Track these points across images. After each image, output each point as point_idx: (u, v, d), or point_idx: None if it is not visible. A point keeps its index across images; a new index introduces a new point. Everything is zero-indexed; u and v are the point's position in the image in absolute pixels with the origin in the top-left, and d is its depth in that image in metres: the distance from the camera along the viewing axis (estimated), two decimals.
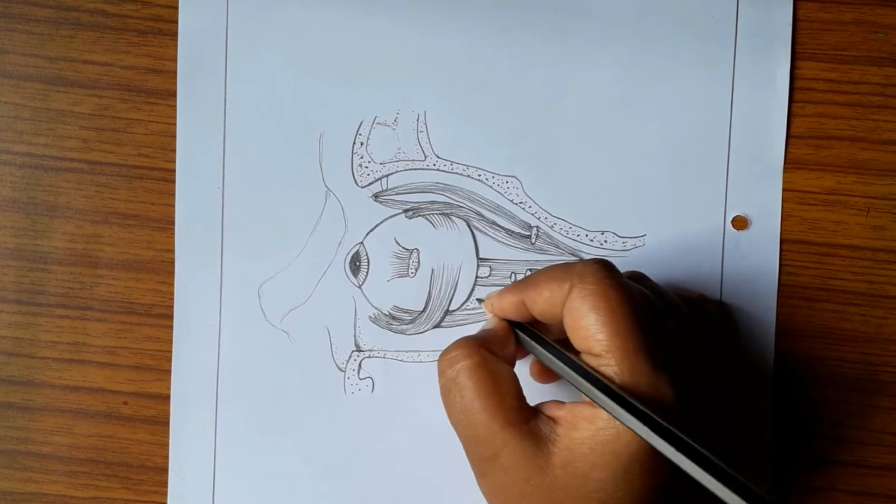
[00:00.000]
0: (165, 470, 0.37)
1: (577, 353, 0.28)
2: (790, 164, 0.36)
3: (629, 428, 0.25)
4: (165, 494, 0.37)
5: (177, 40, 0.36)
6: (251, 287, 0.37)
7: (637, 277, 0.33)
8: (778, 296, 0.36)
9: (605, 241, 0.36)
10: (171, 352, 0.37)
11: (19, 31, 0.37)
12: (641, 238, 0.36)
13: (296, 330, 0.37)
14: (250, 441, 0.37)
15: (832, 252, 0.36)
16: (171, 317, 0.37)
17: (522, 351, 0.31)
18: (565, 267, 0.29)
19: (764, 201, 0.36)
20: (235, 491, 0.37)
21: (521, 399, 0.29)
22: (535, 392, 0.34)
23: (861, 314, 0.36)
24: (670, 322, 0.30)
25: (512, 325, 0.31)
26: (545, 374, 0.34)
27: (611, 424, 0.26)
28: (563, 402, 0.29)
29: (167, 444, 0.37)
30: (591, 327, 0.27)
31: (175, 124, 0.37)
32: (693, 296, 0.35)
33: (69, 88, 0.37)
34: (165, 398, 0.37)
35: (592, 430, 0.27)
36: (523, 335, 0.30)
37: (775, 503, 0.22)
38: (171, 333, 0.37)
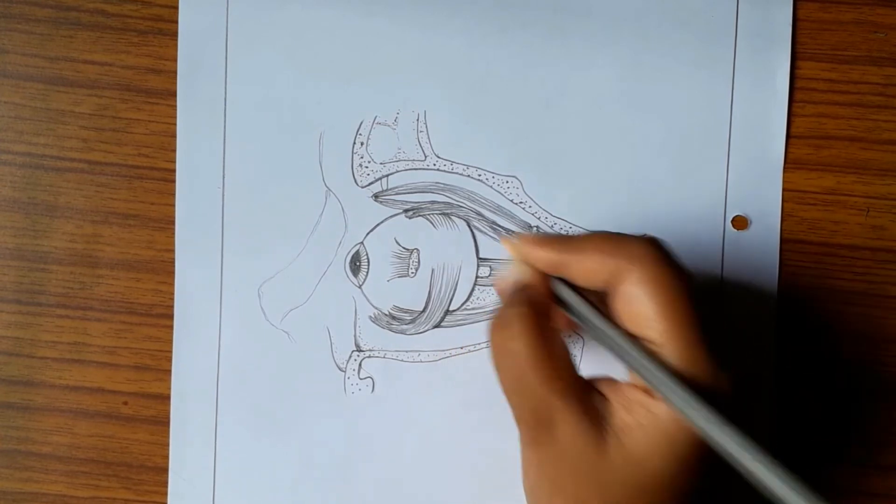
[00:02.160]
0: (165, 470, 0.37)
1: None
2: (790, 163, 0.36)
3: (697, 426, 0.24)
4: (165, 494, 0.37)
5: (177, 40, 0.37)
6: (251, 287, 0.37)
7: None
8: (778, 296, 0.36)
9: None
10: (171, 352, 0.37)
11: (19, 30, 0.37)
12: None
13: (296, 330, 0.37)
14: (250, 441, 0.37)
15: (832, 252, 0.36)
16: (171, 317, 0.37)
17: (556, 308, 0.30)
18: (616, 242, 0.27)
19: (764, 201, 0.36)
20: (235, 491, 0.37)
21: (574, 369, 0.28)
22: None
23: (861, 314, 0.36)
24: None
25: (557, 281, 0.29)
26: (569, 323, 0.32)
27: (669, 415, 0.25)
28: (614, 380, 0.28)
29: (167, 444, 0.37)
30: (649, 314, 0.26)
31: (175, 124, 0.37)
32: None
33: (69, 88, 0.37)
34: (165, 398, 0.37)
35: (648, 416, 0.26)
36: (573, 296, 0.28)
37: None
38: (172, 333, 0.37)
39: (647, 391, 0.26)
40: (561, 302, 0.29)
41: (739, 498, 0.35)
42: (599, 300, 0.28)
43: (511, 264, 0.30)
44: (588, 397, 0.27)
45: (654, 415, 0.26)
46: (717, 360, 0.26)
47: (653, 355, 0.26)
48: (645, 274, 0.26)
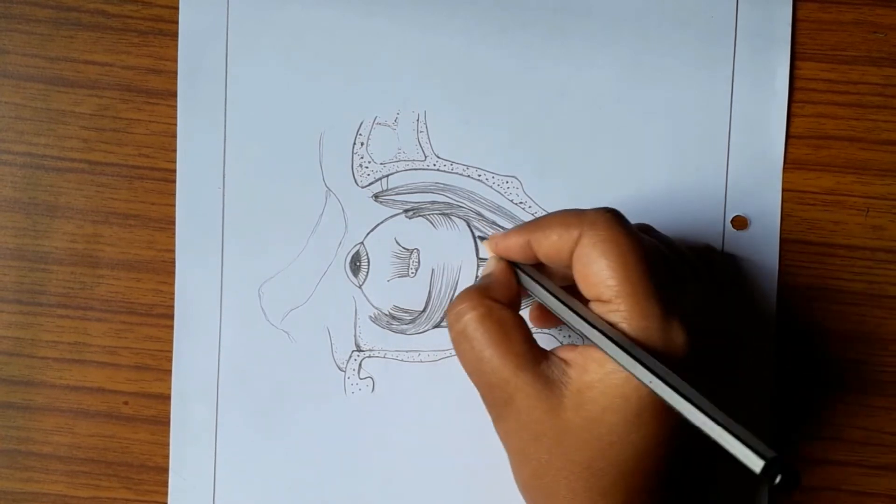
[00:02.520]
0: (166, 470, 0.37)
1: (584, 301, 0.28)
2: (790, 164, 0.36)
3: (632, 374, 0.25)
4: (166, 494, 0.37)
5: (177, 40, 0.37)
6: (251, 287, 0.37)
7: (644, 229, 0.33)
8: (777, 295, 0.36)
9: None
10: (171, 352, 0.37)
11: (20, 31, 0.37)
12: None
13: (296, 330, 0.37)
14: (250, 441, 0.37)
15: (831, 252, 0.36)
16: (171, 317, 0.37)
17: (525, 293, 0.31)
18: (575, 213, 0.29)
19: (763, 201, 0.36)
20: (235, 491, 0.37)
21: (531, 342, 0.29)
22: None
23: (860, 314, 0.36)
24: (679, 269, 0.30)
25: (516, 267, 0.31)
26: (545, 318, 0.34)
27: (620, 368, 0.26)
28: (575, 346, 0.29)
29: (167, 444, 0.37)
30: (602, 272, 0.27)
31: (175, 124, 0.37)
32: (699, 246, 0.35)
33: (70, 89, 0.37)
34: (166, 398, 0.37)
35: (602, 373, 0.27)
36: (527, 278, 0.30)
37: (776, 456, 0.22)
38: (172, 333, 0.37)
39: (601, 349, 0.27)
40: (527, 288, 0.31)
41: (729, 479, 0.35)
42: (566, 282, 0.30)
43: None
44: (547, 365, 0.28)
45: (608, 371, 0.27)
46: (673, 315, 0.27)
47: (588, 311, 0.28)
48: (597, 235, 0.27)
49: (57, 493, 0.37)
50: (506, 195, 0.36)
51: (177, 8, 0.37)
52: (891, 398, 0.36)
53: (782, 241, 0.36)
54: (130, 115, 0.37)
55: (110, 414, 0.37)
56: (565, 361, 0.28)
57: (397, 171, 0.37)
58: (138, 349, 0.37)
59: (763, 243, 0.36)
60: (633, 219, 0.36)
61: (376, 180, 0.37)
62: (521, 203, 0.36)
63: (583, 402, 0.27)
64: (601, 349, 0.26)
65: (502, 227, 0.36)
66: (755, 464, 0.22)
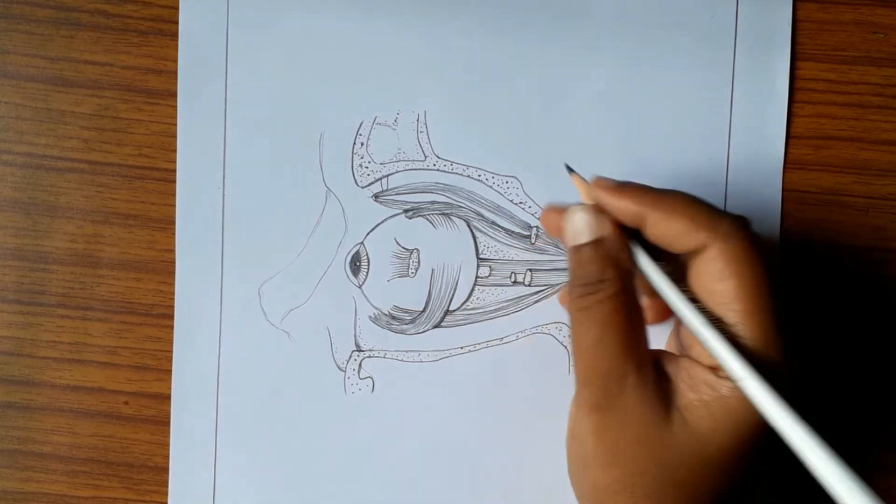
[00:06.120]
0: (166, 470, 0.37)
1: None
2: (790, 164, 0.36)
3: (765, 414, 0.24)
4: (166, 494, 0.37)
5: (177, 41, 0.37)
6: (251, 287, 0.37)
7: None
8: None
9: None
10: (171, 352, 0.37)
11: (20, 31, 0.37)
12: None
13: (296, 330, 0.37)
14: (250, 441, 0.37)
15: (831, 252, 0.36)
16: (171, 317, 0.37)
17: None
18: (706, 212, 0.27)
19: (764, 201, 0.36)
20: (236, 491, 0.37)
21: (647, 341, 0.28)
22: None
23: (861, 314, 0.36)
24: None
25: (636, 250, 0.28)
26: (657, 312, 0.32)
27: (736, 394, 0.25)
28: (675, 356, 0.28)
29: (168, 444, 0.37)
30: (730, 292, 0.26)
31: (175, 124, 0.37)
32: None
33: (70, 89, 0.37)
34: (166, 398, 0.37)
35: (714, 395, 0.26)
36: (652, 271, 0.27)
37: None
38: (172, 333, 0.37)
39: (712, 369, 0.26)
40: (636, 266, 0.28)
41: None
42: (672, 262, 0.28)
43: (582, 209, 0.28)
44: (656, 371, 0.27)
45: (720, 394, 0.26)
46: (789, 346, 0.26)
47: (730, 336, 0.26)
48: (731, 252, 0.26)
49: (57, 492, 0.37)
50: (506, 195, 0.36)
51: (177, 8, 0.37)
52: (891, 398, 0.36)
53: (782, 241, 0.36)
54: (130, 115, 0.37)
55: (110, 414, 0.37)
56: (668, 374, 0.27)
57: (397, 172, 0.37)
58: (138, 349, 0.37)
59: (763, 243, 0.36)
60: None
61: (376, 180, 0.37)
62: (521, 203, 0.36)
63: (690, 419, 0.26)
64: (732, 374, 0.25)
65: (502, 227, 0.36)
66: None
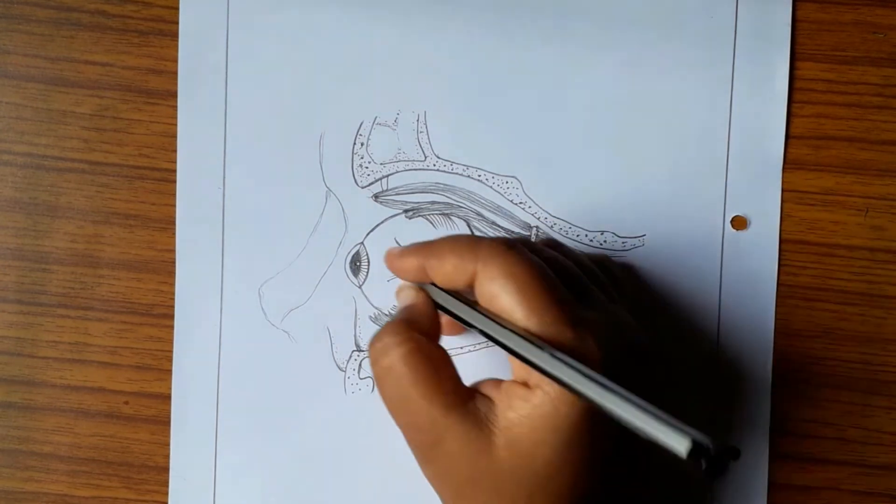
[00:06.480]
0: (166, 469, 0.37)
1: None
2: (789, 164, 0.36)
3: (561, 382, 0.25)
4: (166, 494, 0.37)
5: (177, 41, 0.37)
6: (252, 287, 0.37)
7: (552, 245, 0.33)
8: (777, 296, 0.36)
9: (605, 242, 0.36)
10: (171, 352, 0.37)
11: (20, 31, 0.37)
12: (641, 238, 0.36)
13: (296, 330, 0.37)
14: (250, 441, 0.37)
15: (831, 252, 0.36)
16: (171, 317, 0.37)
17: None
18: (468, 244, 0.28)
19: (763, 201, 0.36)
20: (236, 491, 0.37)
21: (458, 380, 0.28)
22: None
23: (860, 314, 0.36)
24: (585, 286, 0.30)
25: (429, 287, 0.30)
26: (456, 326, 0.33)
27: (546, 401, 0.26)
28: (499, 381, 0.28)
29: (168, 444, 0.37)
30: (506, 306, 0.27)
31: (176, 125, 0.37)
32: (598, 258, 0.34)
33: (70, 89, 0.37)
34: (166, 398, 0.37)
35: (528, 407, 0.27)
36: (444, 299, 0.30)
37: (719, 445, 0.21)
38: (172, 333, 0.37)
39: (524, 384, 0.27)
40: (440, 306, 0.30)
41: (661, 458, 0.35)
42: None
43: (403, 284, 0.31)
44: (473, 404, 0.28)
45: (534, 405, 0.26)
46: (583, 328, 0.27)
47: (512, 327, 0.27)
48: (492, 272, 0.27)
49: (57, 492, 0.37)
50: (506, 195, 0.36)
51: (177, 8, 0.37)
52: (891, 398, 0.36)
53: (782, 241, 0.36)
54: (131, 116, 0.37)
55: (111, 414, 0.37)
56: (490, 399, 0.28)
57: (397, 172, 0.37)
58: (139, 349, 0.37)
59: (763, 243, 0.36)
60: (633, 219, 0.36)
61: (376, 180, 0.37)
62: (521, 203, 0.36)
63: (513, 439, 0.27)
64: (536, 365, 0.26)
65: (502, 227, 0.36)
66: (681, 444, 0.21)
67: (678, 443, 0.20)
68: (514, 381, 0.27)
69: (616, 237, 0.36)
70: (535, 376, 0.26)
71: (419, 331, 0.29)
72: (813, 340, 0.36)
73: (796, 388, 0.36)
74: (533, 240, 0.36)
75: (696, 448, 0.20)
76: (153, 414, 0.37)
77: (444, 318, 0.32)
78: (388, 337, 0.28)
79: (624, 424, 0.23)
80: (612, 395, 0.23)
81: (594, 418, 0.26)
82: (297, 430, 0.37)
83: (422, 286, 0.30)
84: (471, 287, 0.29)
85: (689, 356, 0.36)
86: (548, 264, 0.28)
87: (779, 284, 0.36)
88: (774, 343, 0.36)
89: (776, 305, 0.36)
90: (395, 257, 0.30)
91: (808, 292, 0.36)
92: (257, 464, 0.37)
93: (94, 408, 0.37)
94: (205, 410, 0.37)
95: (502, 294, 0.27)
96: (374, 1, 0.36)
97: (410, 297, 0.31)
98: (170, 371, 0.37)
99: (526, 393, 0.27)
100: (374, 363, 0.29)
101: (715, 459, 0.20)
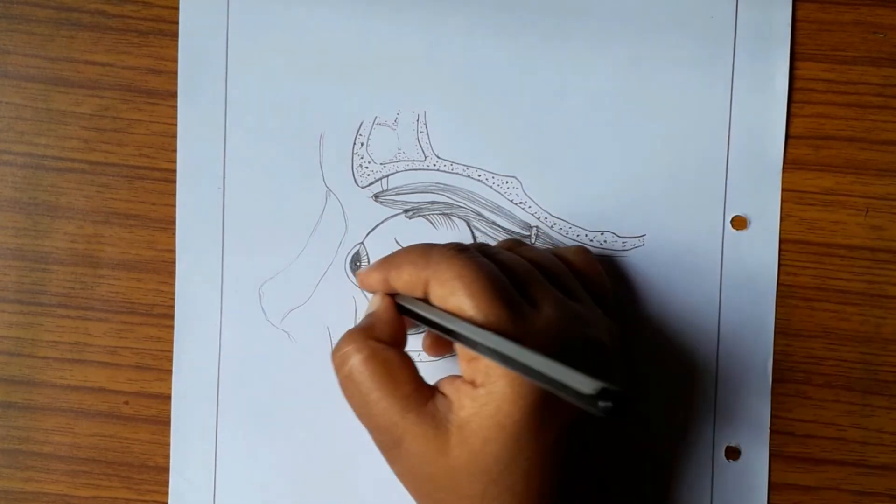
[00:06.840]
0: (166, 469, 0.37)
1: None
2: (789, 164, 0.36)
3: (481, 347, 0.26)
4: (166, 494, 0.37)
5: (177, 41, 0.37)
6: (252, 287, 0.37)
7: (511, 246, 0.33)
8: (777, 295, 0.36)
9: (605, 241, 0.36)
10: (172, 352, 0.37)
11: (20, 31, 0.37)
12: (641, 238, 0.36)
13: (296, 330, 0.37)
14: (250, 441, 0.37)
15: (831, 252, 0.36)
16: (172, 317, 0.37)
17: (411, 324, 0.32)
18: (422, 252, 0.30)
19: (763, 201, 0.36)
20: (236, 491, 0.37)
21: (418, 381, 0.29)
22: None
23: (860, 314, 0.36)
24: (539, 284, 0.30)
25: (395, 298, 0.31)
26: (437, 346, 0.34)
27: (491, 399, 0.27)
28: (454, 378, 0.29)
29: (168, 444, 0.37)
30: (461, 303, 0.28)
31: (176, 125, 0.37)
32: (567, 254, 0.34)
33: (70, 89, 0.37)
34: (166, 398, 0.37)
35: (476, 406, 0.27)
36: (407, 307, 0.31)
37: (619, 391, 0.22)
38: (172, 333, 0.37)
39: (472, 383, 0.28)
40: (406, 311, 0.31)
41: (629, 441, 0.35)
42: None
43: (373, 296, 0.32)
44: (432, 404, 0.29)
45: (481, 404, 0.27)
46: (525, 321, 0.28)
47: (454, 315, 0.28)
48: (443, 276, 0.29)
49: (57, 492, 0.37)
50: (506, 195, 0.36)
51: (177, 8, 0.37)
52: (891, 398, 0.36)
53: (782, 241, 0.36)
54: (131, 116, 0.37)
55: (111, 414, 0.37)
56: (446, 396, 0.29)
57: (397, 172, 0.37)
58: (139, 349, 0.37)
59: (763, 243, 0.36)
60: (633, 219, 0.36)
61: (376, 180, 0.37)
62: (521, 203, 0.36)
63: (465, 437, 0.28)
64: (473, 343, 0.27)
65: (502, 227, 0.36)
66: (589, 387, 0.22)
67: (588, 387, 0.22)
68: (464, 380, 0.28)
69: (616, 237, 0.36)
70: (480, 375, 0.28)
71: (378, 337, 0.30)
72: (813, 340, 0.36)
73: (796, 388, 0.36)
74: (533, 240, 0.36)
75: (602, 391, 0.22)
76: (153, 414, 0.37)
77: (428, 341, 0.34)
78: (347, 345, 0.30)
79: (543, 384, 0.24)
80: (530, 354, 0.25)
81: (538, 415, 0.27)
82: (297, 430, 0.37)
83: (389, 295, 0.31)
84: (425, 294, 0.30)
85: (689, 356, 0.36)
86: (501, 266, 0.30)
87: (779, 284, 0.36)
88: (774, 343, 0.36)
89: (776, 305, 0.36)
90: (363, 275, 0.32)
91: (808, 292, 0.36)
92: (257, 464, 0.37)
93: (94, 408, 0.37)
94: (205, 410, 0.37)
95: (451, 295, 0.28)
96: (374, 1, 0.36)
97: (373, 305, 0.32)
98: (170, 371, 0.37)
99: (473, 392, 0.28)
100: (337, 371, 0.30)
101: (618, 400, 0.22)
